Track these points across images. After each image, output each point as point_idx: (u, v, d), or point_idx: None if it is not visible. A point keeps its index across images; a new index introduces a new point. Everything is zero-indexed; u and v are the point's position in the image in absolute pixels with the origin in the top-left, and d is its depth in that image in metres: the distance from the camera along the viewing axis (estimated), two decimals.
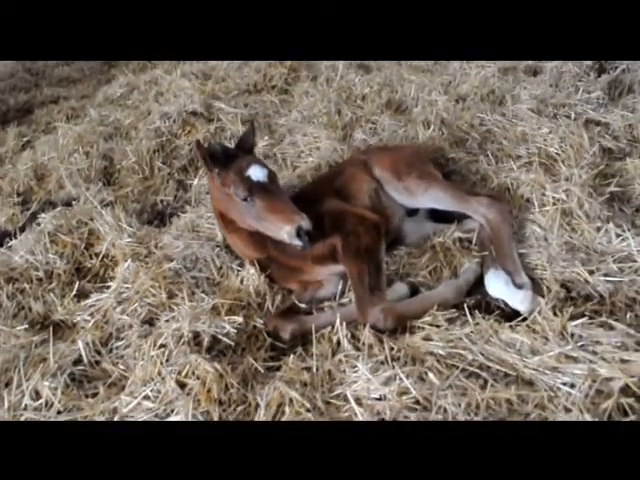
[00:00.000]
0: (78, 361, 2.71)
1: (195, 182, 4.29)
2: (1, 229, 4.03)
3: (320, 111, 4.89)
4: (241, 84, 5.63)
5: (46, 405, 2.46)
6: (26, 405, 2.46)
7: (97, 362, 2.73)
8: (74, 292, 3.20)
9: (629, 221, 3.18)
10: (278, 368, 2.58)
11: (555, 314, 2.53)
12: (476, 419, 2.13)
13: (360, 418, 2.20)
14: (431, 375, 2.32)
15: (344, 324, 2.64)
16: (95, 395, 2.52)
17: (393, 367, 2.37)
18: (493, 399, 2.20)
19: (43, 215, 3.70)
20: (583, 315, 2.53)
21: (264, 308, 2.96)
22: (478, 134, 4.22)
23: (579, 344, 2.37)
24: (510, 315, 2.69)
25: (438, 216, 3.37)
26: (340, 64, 5.65)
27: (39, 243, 3.45)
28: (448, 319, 2.63)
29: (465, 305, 2.69)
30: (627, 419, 2.07)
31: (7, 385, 2.58)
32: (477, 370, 2.35)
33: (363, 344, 2.56)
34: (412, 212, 3.42)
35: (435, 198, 3.23)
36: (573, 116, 4.22)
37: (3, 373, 2.63)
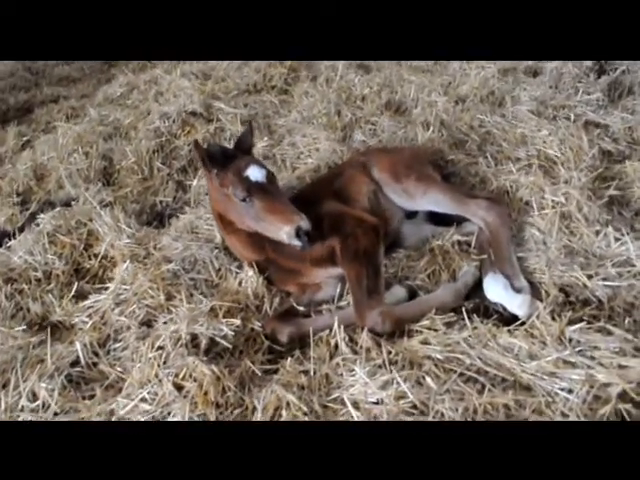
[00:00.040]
0: (75, 362, 2.71)
1: (194, 183, 4.28)
2: (0, 229, 4.03)
3: (320, 112, 4.88)
4: (241, 84, 5.62)
5: (43, 406, 2.46)
6: (23, 406, 2.46)
7: (94, 364, 2.73)
8: (72, 293, 3.19)
9: (628, 225, 3.17)
10: (275, 371, 2.58)
11: (553, 318, 2.52)
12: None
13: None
14: (428, 379, 2.32)
15: (342, 327, 2.64)
16: (92, 397, 2.52)
17: (391, 371, 2.37)
18: (490, 404, 2.19)
19: (42, 215, 3.69)
20: (581, 320, 2.52)
21: (262, 310, 2.96)
22: (477, 136, 4.22)
23: (577, 349, 2.36)
24: (508, 319, 2.68)
25: (437, 219, 3.36)
26: (340, 64, 5.64)
27: (38, 243, 3.45)
28: (446, 323, 2.62)
29: (463, 309, 2.69)
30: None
31: (4, 386, 2.57)
32: (475, 375, 2.35)
33: (361, 347, 2.55)
34: (411, 214, 3.41)
35: (434, 201, 3.23)
36: (573, 118, 4.21)
37: (0, 374, 2.63)
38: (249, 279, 3.05)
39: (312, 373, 2.48)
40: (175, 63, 6.51)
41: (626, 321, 2.56)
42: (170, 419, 2.30)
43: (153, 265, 3.16)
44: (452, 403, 2.19)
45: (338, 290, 2.99)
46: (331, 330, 2.66)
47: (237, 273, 3.14)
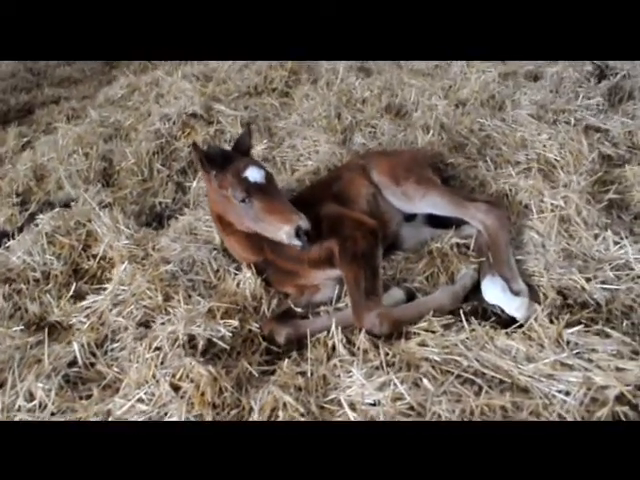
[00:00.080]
0: (73, 363, 2.70)
1: (194, 185, 4.28)
2: None
3: (320, 114, 4.89)
4: (242, 86, 5.62)
5: (40, 406, 2.45)
6: (20, 406, 2.45)
7: (92, 364, 2.72)
8: (70, 293, 3.19)
9: (627, 228, 3.17)
10: (273, 372, 2.58)
11: (551, 321, 2.53)
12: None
13: None
14: (426, 381, 2.31)
15: (340, 329, 2.64)
16: (89, 397, 2.51)
17: (388, 373, 2.37)
18: (487, 406, 2.19)
19: (41, 216, 3.69)
20: (579, 323, 2.52)
21: (260, 312, 2.95)
22: (477, 139, 4.22)
23: (575, 352, 2.36)
24: (506, 322, 2.68)
25: (436, 221, 3.36)
26: (340, 67, 5.66)
27: (37, 244, 3.45)
28: (444, 325, 2.62)
29: (461, 311, 2.69)
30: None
31: (1, 386, 2.57)
32: (472, 377, 2.34)
33: (358, 349, 2.55)
34: (410, 217, 3.41)
35: (433, 203, 3.23)
36: (573, 122, 4.23)
37: None
38: (247, 280, 3.05)
39: (309, 374, 2.48)
40: (176, 65, 6.53)
41: (624, 324, 2.56)
42: (167, 420, 2.29)
43: (151, 266, 3.16)
44: (449, 405, 2.19)
45: (336, 292, 2.98)
46: (329, 332, 2.66)
47: (235, 274, 3.14)
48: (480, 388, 2.29)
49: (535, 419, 2.13)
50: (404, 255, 3.22)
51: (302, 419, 2.24)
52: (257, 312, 2.95)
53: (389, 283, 2.98)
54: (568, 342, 2.42)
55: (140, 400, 2.39)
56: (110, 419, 2.35)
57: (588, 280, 2.76)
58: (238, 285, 3.06)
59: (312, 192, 3.44)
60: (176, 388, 2.41)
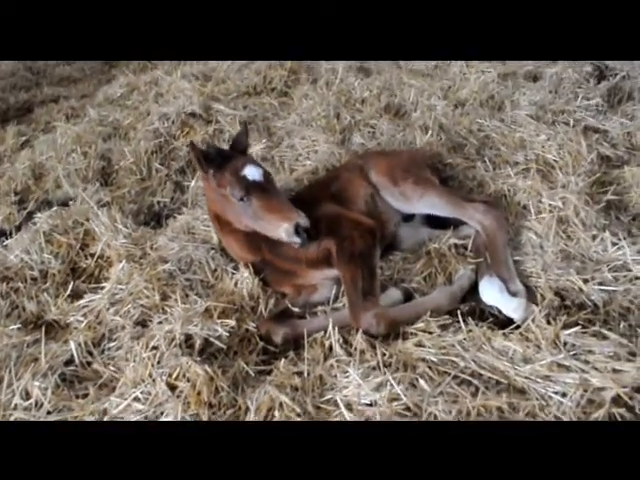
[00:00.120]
0: (70, 361, 2.70)
1: (192, 184, 4.27)
2: None
3: (319, 114, 4.89)
4: (241, 86, 5.63)
5: (36, 405, 2.45)
6: (16, 405, 2.45)
7: (88, 363, 2.72)
8: (68, 292, 3.19)
9: (625, 230, 3.17)
10: (269, 372, 2.58)
11: (548, 322, 2.53)
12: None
13: None
14: (422, 382, 2.31)
15: (337, 329, 2.64)
16: (85, 396, 2.51)
17: (384, 373, 2.37)
18: (484, 407, 2.19)
19: (39, 214, 3.69)
20: (576, 324, 2.53)
21: (257, 312, 2.95)
22: (476, 140, 4.22)
23: (571, 353, 2.37)
24: (503, 322, 2.68)
25: (434, 222, 3.36)
26: (340, 67, 5.65)
27: (34, 242, 3.44)
28: (441, 325, 2.62)
29: (459, 312, 2.68)
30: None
31: None
32: (469, 377, 2.35)
33: (355, 349, 2.55)
34: (408, 217, 3.41)
35: (431, 204, 3.23)
36: (572, 123, 4.22)
37: None
38: (245, 280, 3.05)
39: (306, 374, 2.48)
40: (176, 64, 6.53)
41: (621, 325, 2.56)
42: (163, 419, 2.29)
43: (149, 265, 3.16)
44: (445, 405, 2.19)
45: (333, 292, 2.98)
46: (326, 332, 2.66)
47: (233, 274, 3.14)
48: (477, 389, 2.29)
49: (531, 420, 2.13)
50: (402, 255, 3.22)
51: (298, 419, 2.24)
52: (254, 312, 2.95)
53: (387, 283, 2.97)
54: (565, 343, 2.43)
55: (136, 399, 2.39)
56: (106, 418, 2.35)
57: (586, 281, 2.76)
58: (235, 285, 3.05)
59: (310, 192, 3.44)
60: (172, 387, 2.40)
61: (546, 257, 2.96)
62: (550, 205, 3.26)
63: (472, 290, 2.88)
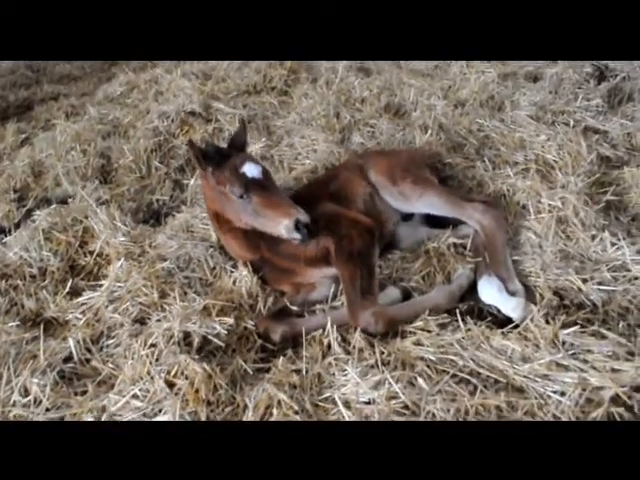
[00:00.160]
0: (68, 359, 2.70)
1: (191, 182, 4.27)
2: None
3: (319, 113, 4.88)
4: (241, 85, 5.62)
5: (35, 402, 2.45)
6: (15, 401, 2.45)
7: (87, 360, 2.72)
8: (67, 290, 3.19)
9: (625, 230, 3.16)
10: (267, 370, 2.58)
11: (547, 322, 2.53)
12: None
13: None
14: (420, 380, 2.31)
15: (335, 327, 2.63)
16: (84, 393, 2.51)
17: (383, 371, 2.37)
18: (482, 405, 2.19)
19: (38, 212, 3.69)
20: (575, 323, 2.53)
21: (256, 310, 2.95)
22: (476, 140, 4.22)
23: (570, 352, 2.37)
24: (502, 322, 2.68)
25: (433, 221, 3.36)
26: (340, 67, 5.65)
27: (33, 240, 3.44)
28: (440, 324, 2.62)
29: (457, 311, 2.68)
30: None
31: None
32: (467, 376, 2.35)
33: (353, 347, 2.55)
34: (407, 217, 3.41)
35: (430, 203, 3.23)
36: (572, 123, 4.22)
37: None
38: (243, 278, 3.05)
39: (304, 372, 2.48)
40: (176, 63, 6.51)
41: (620, 325, 2.56)
42: (161, 416, 2.29)
43: (148, 263, 3.16)
44: (444, 404, 2.19)
45: (332, 290, 2.97)
46: (324, 330, 2.66)
47: (231, 272, 3.14)
48: (475, 388, 2.29)
49: (530, 419, 2.13)
50: (401, 254, 3.22)
51: (296, 417, 2.24)
52: (253, 310, 2.95)
53: (385, 282, 2.97)
54: (564, 343, 2.43)
55: (135, 396, 2.39)
56: (104, 415, 2.35)
57: (585, 281, 2.76)
58: (234, 283, 3.05)
59: (309, 191, 3.43)
60: (171, 385, 2.40)
61: (545, 257, 2.95)
62: (549, 205, 3.26)
63: (471, 289, 2.88)
